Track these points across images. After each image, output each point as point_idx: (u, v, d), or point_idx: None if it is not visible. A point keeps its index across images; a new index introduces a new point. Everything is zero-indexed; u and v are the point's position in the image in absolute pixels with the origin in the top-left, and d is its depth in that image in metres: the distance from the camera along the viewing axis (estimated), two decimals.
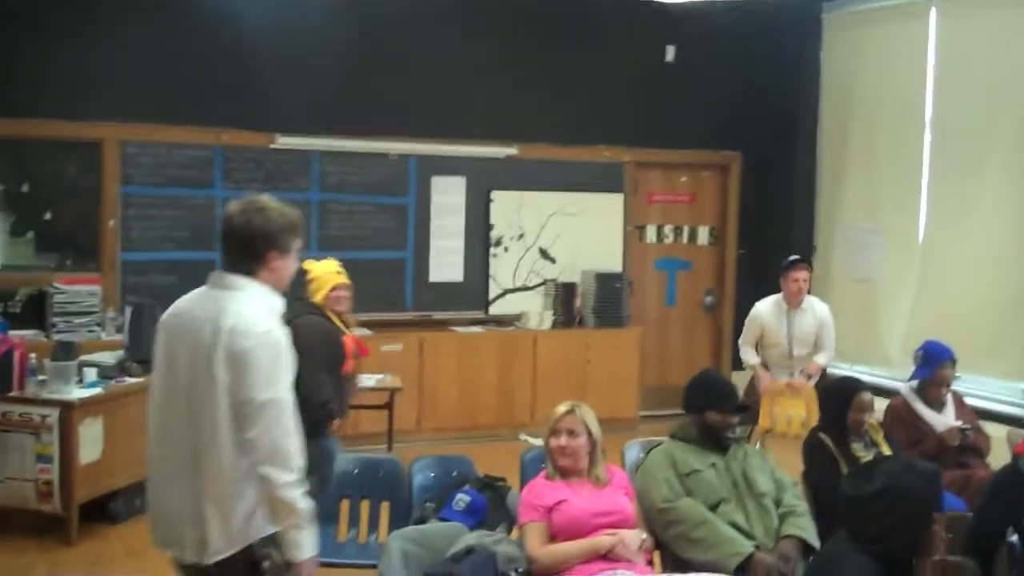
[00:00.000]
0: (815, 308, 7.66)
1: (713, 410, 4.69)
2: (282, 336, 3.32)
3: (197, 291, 3.45)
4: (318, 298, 5.85)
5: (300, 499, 3.23)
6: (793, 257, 7.85)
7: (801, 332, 7.60)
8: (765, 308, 7.71)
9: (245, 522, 3.26)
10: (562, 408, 4.50)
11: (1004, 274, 8.02)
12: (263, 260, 3.39)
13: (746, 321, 7.83)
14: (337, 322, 5.85)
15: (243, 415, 3.20)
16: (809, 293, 7.71)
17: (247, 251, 3.38)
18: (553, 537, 4.27)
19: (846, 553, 3.64)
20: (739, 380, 9.36)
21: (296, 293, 5.80)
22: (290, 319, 3.71)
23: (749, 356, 7.72)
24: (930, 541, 3.49)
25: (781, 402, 7.44)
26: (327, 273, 5.91)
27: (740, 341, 7.88)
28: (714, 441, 4.67)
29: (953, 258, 8.43)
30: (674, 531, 4.43)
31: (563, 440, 4.42)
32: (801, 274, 7.60)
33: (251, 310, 3.30)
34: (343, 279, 5.93)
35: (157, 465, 3.41)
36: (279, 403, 3.23)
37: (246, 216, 3.40)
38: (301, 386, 3.67)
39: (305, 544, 3.25)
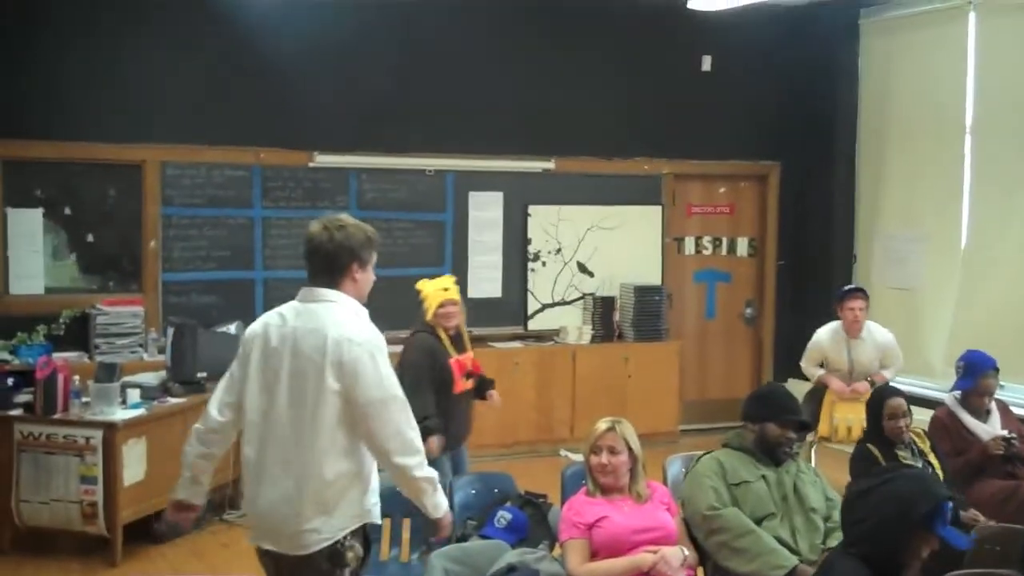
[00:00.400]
0: (875, 336, 7.75)
1: (773, 422, 4.63)
2: (379, 339, 3.64)
3: (287, 305, 3.75)
4: (428, 317, 5.99)
5: (428, 471, 3.68)
6: (849, 287, 8.05)
7: (862, 360, 7.71)
8: (825, 336, 7.82)
9: (339, 517, 3.59)
10: (602, 425, 4.48)
11: None
12: (346, 273, 3.70)
13: (808, 346, 7.92)
14: (446, 342, 5.96)
15: (366, 416, 3.55)
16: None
17: (332, 265, 3.69)
18: (594, 554, 4.25)
19: (840, 555, 3.61)
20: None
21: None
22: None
23: (814, 370, 7.82)
24: (908, 555, 3.43)
25: (841, 408, 7.44)
26: (435, 291, 6.03)
27: (802, 363, 7.96)
28: (768, 454, 4.62)
29: (996, 264, 8.32)
30: (717, 539, 4.40)
31: (604, 458, 4.40)
32: (856, 303, 7.69)
33: (348, 320, 3.62)
34: (450, 295, 6.03)
35: (255, 466, 3.67)
36: (395, 398, 3.60)
37: (329, 233, 3.68)
38: None
39: (441, 503, 3.76)
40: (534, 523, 4.85)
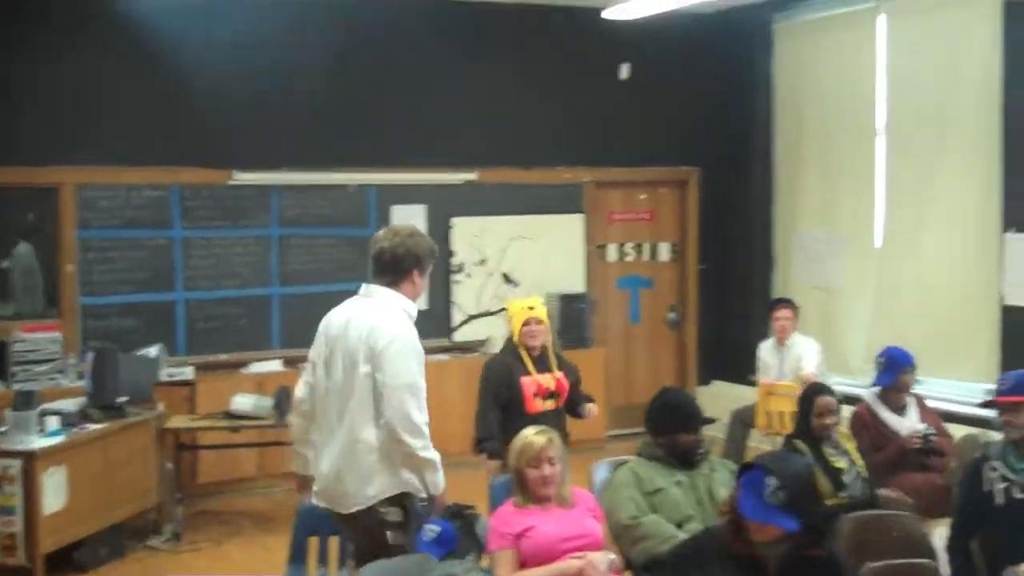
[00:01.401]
0: (798, 344, 8.10)
1: (684, 432, 4.69)
2: (411, 335, 4.19)
3: (351, 300, 4.37)
4: (514, 336, 6.08)
5: (432, 453, 4.16)
6: (776, 298, 8.61)
7: (789, 368, 8.04)
8: (765, 346, 8.32)
9: (376, 484, 4.13)
10: (540, 439, 4.48)
11: (962, 276, 8.09)
12: (406, 276, 4.28)
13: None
14: (527, 361, 6.01)
15: (382, 397, 4.08)
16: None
17: (395, 268, 4.28)
18: (523, 564, 4.27)
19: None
20: (703, 394, 9.48)
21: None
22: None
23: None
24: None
25: (774, 400, 7.60)
26: (519, 310, 6.12)
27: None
28: (682, 460, 4.67)
29: (911, 262, 8.48)
30: (641, 547, 4.43)
31: (547, 470, 4.42)
32: (782, 313, 8.16)
33: (388, 316, 4.18)
34: (533, 313, 6.07)
35: (319, 436, 4.30)
36: (409, 386, 4.10)
37: (400, 239, 4.29)
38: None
39: (441, 482, 4.26)
40: (462, 535, 4.84)
